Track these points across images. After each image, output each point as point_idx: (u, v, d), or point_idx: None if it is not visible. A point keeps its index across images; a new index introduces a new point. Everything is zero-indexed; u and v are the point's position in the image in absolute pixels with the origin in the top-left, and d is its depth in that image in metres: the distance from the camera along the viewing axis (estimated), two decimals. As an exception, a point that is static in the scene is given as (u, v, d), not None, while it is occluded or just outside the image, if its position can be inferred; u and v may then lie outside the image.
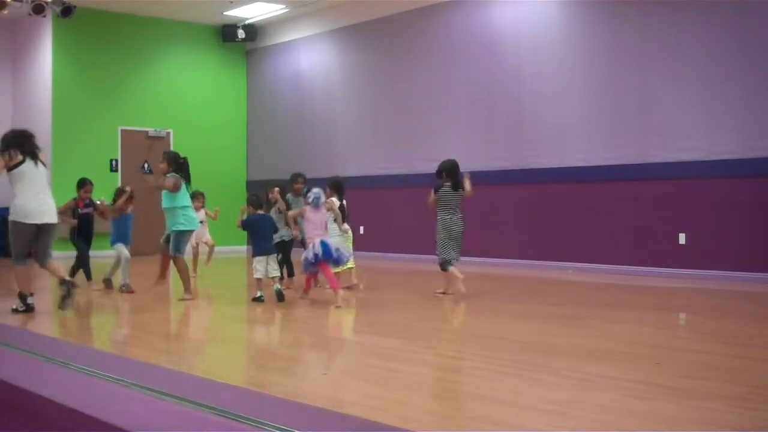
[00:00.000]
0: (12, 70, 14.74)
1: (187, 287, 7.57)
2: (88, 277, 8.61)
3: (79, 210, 8.58)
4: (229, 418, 3.20)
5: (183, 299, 7.48)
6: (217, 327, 6.67)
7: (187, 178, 7.69)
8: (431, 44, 12.46)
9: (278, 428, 3.04)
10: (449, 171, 7.94)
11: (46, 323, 6.33)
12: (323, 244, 7.27)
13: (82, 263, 8.63)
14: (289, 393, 3.76)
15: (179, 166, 7.64)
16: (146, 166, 14.32)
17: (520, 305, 7.30)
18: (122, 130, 14.30)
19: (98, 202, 8.63)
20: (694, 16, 9.56)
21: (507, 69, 11.40)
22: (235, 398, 3.61)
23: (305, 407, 3.47)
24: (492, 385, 4.03)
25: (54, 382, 3.92)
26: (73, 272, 8.40)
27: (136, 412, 3.35)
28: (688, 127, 9.57)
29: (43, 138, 13.82)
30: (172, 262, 7.75)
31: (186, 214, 7.56)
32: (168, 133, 14.74)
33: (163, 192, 7.56)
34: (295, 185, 8.52)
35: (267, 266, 7.40)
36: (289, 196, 8.46)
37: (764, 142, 8.95)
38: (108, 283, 8.35)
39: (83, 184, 8.73)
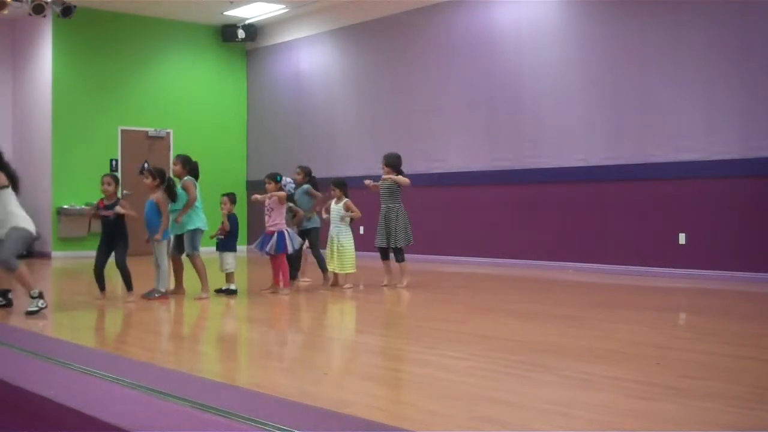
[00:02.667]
0: (12, 70, 14.74)
1: (204, 286, 7.59)
2: (101, 288, 7.55)
3: (100, 211, 7.41)
4: (229, 418, 3.20)
5: (199, 298, 7.52)
6: (217, 326, 6.67)
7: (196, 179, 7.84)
8: (431, 44, 12.46)
9: (278, 428, 3.04)
10: (400, 163, 8.61)
11: (46, 323, 6.32)
12: (279, 236, 7.83)
13: (96, 273, 7.54)
14: (289, 393, 3.76)
15: (193, 168, 7.73)
16: (146, 165, 14.31)
17: (520, 305, 7.30)
18: (122, 130, 14.30)
19: (117, 207, 7.30)
20: (694, 16, 9.56)
21: (507, 69, 11.41)
22: (235, 398, 3.61)
23: (305, 407, 3.47)
24: (492, 385, 4.03)
25: (54, 382, 3.91)
26: (126, 284, 7.42)
27: (136, 412, 3.35)
28: (688, 127, 9.57)
29: (43, 138, 13.85)
30: (191, 262, 7.64)
31: (199, 213, 7.64)
32: (168, 133, 14.74)
33: (180, 195, 7.60)
34: (295, 176, 8.77)
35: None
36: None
37: (764, 142, 8.95)
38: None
39: (102, 178, 7.60)
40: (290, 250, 7.93)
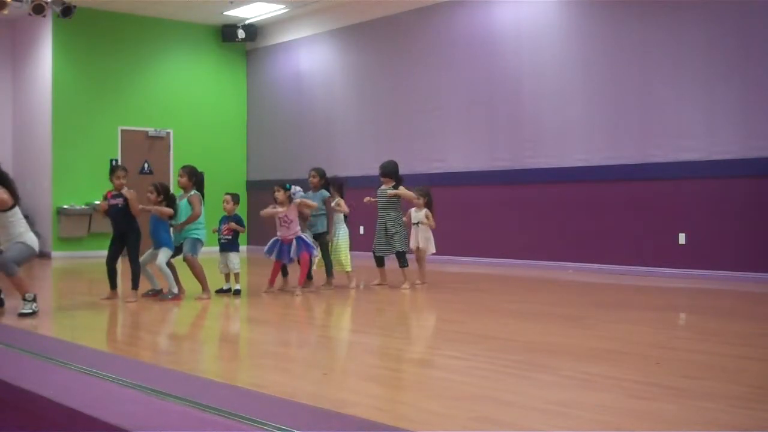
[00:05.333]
0: (12, 70, 14.74)
1: (204, 287, 7.62)
2: (112, 285, 7.51)
3: (108, 200, 7.45)
4: (229, 418, 3.20)
5: (199, 299, 7.55)
6: (217, 326, 6.67)
7: (202, 192, 7.85)
8: (431, 44, 12.46)
9: (278, 428, 3.04)
10: (397, 170, 8.73)
11: (46, 323, 6.32)
12: (299, 240, 7.90)
13: (107, 267, 7.52)
14: (289, 393, 3.76)
15: (198, 181, 7.76)
16: (146, 166, 14.33)
17: (520, 305, 7.30)
18: (122, 130, 14.31)
19: (128, 193, 7.39)
20: (694, 16, 9.57)
21: (507, 69, 11.41)
22: (235, 398, 3.61)
23: (305, 407, 3.47)
24: (492, 385, 4.03)
25: (54, 382, 3.92)
26: (133, 282, 7.41)
27: (136, 412, 3.35)
28: (688, 127, 9.57)
29: (43, 138, 13.85)
30: (188, 264, 7.59)
31: (201, 227, 7.65)
32: (168, 133, 14.74)
33: (184, 207, 7.58)
34: (311, 180, 8.59)
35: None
36: (309, 192, 8.57)
37: (764, 142, 8.95)
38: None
39: (113, 170, 7.54)
40: (314, 249, 8.04)
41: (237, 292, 7.86)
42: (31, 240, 6.63)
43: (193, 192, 7.65)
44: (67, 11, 11.81)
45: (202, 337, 6.19)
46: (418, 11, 12.61)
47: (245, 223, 8.45)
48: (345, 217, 8.59)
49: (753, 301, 7.72)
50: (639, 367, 4.39)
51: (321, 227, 8.45)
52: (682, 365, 4.50)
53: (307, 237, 8.05)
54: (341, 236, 8.48)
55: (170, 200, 7.59)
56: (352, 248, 8.64)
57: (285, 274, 8.41)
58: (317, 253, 8.25)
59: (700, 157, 9.44)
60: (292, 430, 3.02)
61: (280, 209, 7.91)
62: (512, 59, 11.35)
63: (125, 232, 7.43)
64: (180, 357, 5.13)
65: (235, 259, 7.92)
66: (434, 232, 8.83)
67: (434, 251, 8.83)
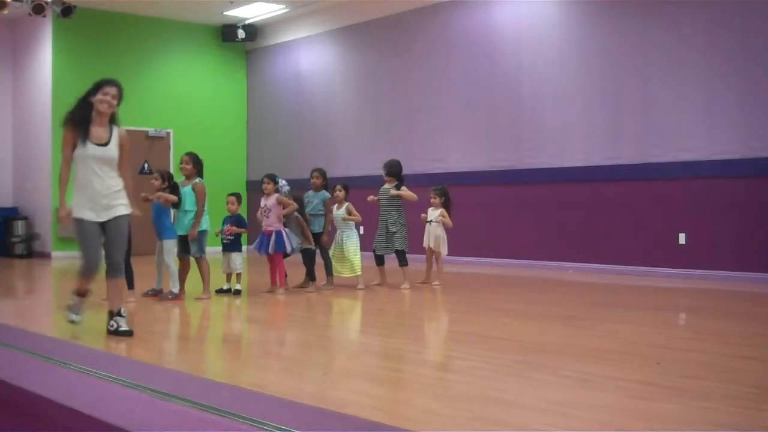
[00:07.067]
0: (12, 70, 14.74)
1: (206, 287, 7.61)
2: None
3: None
4: (229, 418, 3.20)
5: (199, 299, 7.53)
6: (217, 327, 6.67)
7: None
8: (431, 44, 12.46)
9: (278, 428, 3.04)
10: (401, 170, 8.77)
11: (46, 323, 6.32)
12: (277, 236, 7.88)
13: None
14: (289, 393, 3.76)
15: (201, 168, 7.74)
16: (146, 166, 14.32)
17: (520, 305, 7.30)
18: (122, 130, 14.29)
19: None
20: (694, 16, 9.56)
21: (507, 69, 11.41)
22: (235, 398, 3.61)
23: (305, 407, 3.47)
24: (492, 385, 4.03)
25: (54, 382, 3.92)
26: (128, 282, 7.18)
27: (136, 412, 3.35)
28: (688, 127, 9.57)
29: (43, 138, 13.85)
30: (197, 264, 7.59)
31: (204, 215, 7.60)
32: (168, 133, 14.74)
33: (188, 194, 7.52)
34: (313, 180, 8.56)
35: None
36: (309, 192, 8.57)
37: (764, 142, 8.95)
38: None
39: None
40: (289, 249, 7.97)
41: (237, 292, 7.88)
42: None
43: (197, 180, 7.57)
44: (67, 11, 11.81)
45: (202, 337, 6.18)
46: (418, 11, 12.61)
47: (245, 223, 8.44)
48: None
49: (753, 301, 7.72)
50: (639, 367, 4.39)
51: (318, 228, 8.45)
52: (682, 365, 4.50)
53: (290, 234, 8.01)
54: (353, 242, 8.43)
55: (173, 188, 7.61)
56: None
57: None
58: (293, 250, 8.11)
59: (700, 157, 9.44)
60: (292, 430, 3.02)
61: (263, 215, 8.01)
62: (512, 59, 11.35)
63: None
64: (180, 357, 5.13)
65: (237, 260, 7.94)
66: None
67: (446, 253, 8.80)
